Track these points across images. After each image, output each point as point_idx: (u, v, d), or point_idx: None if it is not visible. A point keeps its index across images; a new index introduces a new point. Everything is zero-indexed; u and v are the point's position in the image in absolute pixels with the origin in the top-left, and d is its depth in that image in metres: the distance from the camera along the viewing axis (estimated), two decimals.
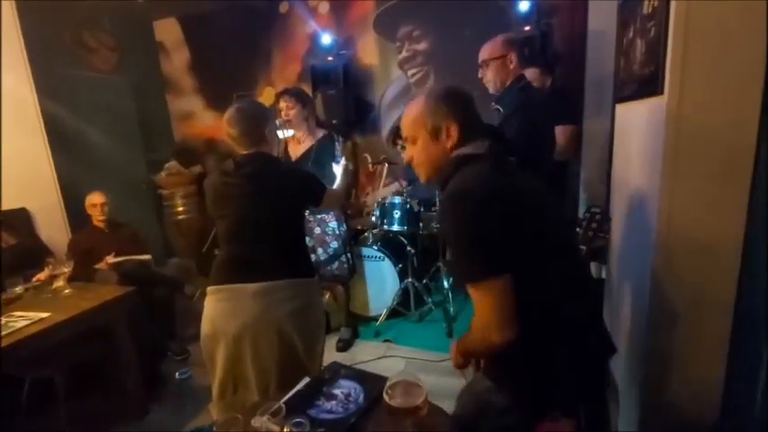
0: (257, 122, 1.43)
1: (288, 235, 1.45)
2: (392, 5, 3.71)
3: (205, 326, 1.39)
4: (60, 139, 3.01)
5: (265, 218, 1.39)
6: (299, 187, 1.47)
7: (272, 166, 1.46)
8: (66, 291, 2.07)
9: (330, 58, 3.79)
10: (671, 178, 1.02)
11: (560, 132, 2.50)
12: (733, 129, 0.96)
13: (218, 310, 1.37)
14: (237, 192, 1.39)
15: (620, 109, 1.52)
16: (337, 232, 2.48)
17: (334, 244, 2.48)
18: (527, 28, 3.13)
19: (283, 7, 4.03)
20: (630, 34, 1.25)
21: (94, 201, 2.66)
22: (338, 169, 1.98)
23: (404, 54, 3.79)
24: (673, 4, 0.96)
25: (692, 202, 1.02)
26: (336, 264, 2.51)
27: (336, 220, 2.48)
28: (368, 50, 3.91)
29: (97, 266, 2.52)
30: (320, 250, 2.48)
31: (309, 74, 3.85)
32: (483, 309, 0.87)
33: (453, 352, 1.07)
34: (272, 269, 1.37)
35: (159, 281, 2.69)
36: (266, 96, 4.25)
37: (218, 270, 1.41)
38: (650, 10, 1.07)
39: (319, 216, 2.43)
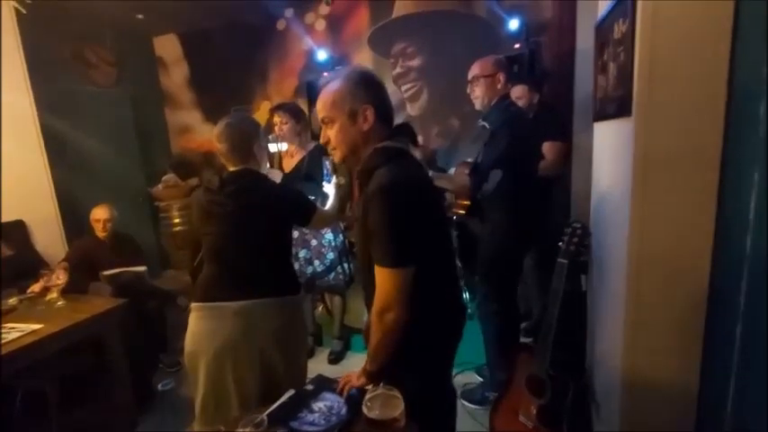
0: (246, 138, 1.42)
1: (272, 253, 1.44)
2: (386, 23, 3.81)
3: (188, 343, 1.40)
4: (58, 151, 3.05)
5: (249, 236, 1.38)
6: (285, 206, 1.46)
7: (259, 183, 1.44)
8: (60, 303, 2.09)
9: (326, 74, 3.87)
10: (640, 196, 1.07)
11: (549, 148, 2.56)
12: (697, 151, 1.00)
13: (200, 327, 1.38)
14: (221, 210, 1.39)
15: (598, 127, 1.58)
16: (334, 243, 2.51)
17: (331, 255, 2.51)
18: (516, 45, 3.22)
19: (281, 24, 4.13)
20: (605, 56, 1.31)
21: (98, 216, 2.64)
22: (329, 189, 1.93)
23: (397, 70, 3.87)
24: (638, 31, 1.02)
25: (661, 219, 1.07)
26: (333, 275, 2.53)
27: (333, 231, 2.51)
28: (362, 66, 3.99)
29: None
30: (317, 262, 2.50)
31: (305, 89, 3.93)
32: (387, 291, 0.98)
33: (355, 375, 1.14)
34: (255, 287, 1.37)
35: (153, 293, 2.70)
36: (263, 110, 4.32)
37: (201, 287, 1.42)
38: (620, 35, 1.12)
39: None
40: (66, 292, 2.21)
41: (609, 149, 1.38)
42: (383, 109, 1.05)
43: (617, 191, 1.27)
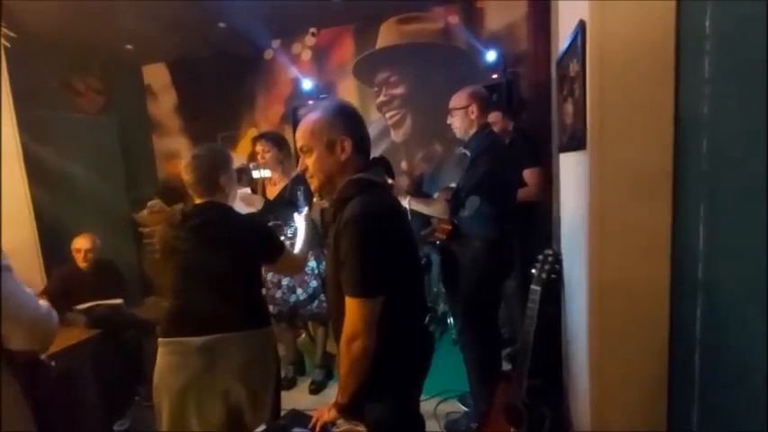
0: (212, 170, 1.38)
1: (238, 288, 1.39)
2: (370, 54, 3.93)
3: (155, 378, 1.38)
4: (40, 177, 3.03)
5: (212, 271, 1.35)
6: (251, 241, 1.41)
7: (224, 217, 1.40)
8: None
9: (311, 102, 3.95)
10: (597, 226, 1.10)
11: (528, 175, 2.62)
12: (649, 184, 1.05)
13: (166, 363, 1.36)
14: (184, 245, 1.37)
15: (563, 157, 1.63)
16: (317, 271, 2.50)
17: (314, 283, 2.49)
18: (495, 76, 3.34)
19: (268, 54, 4.24)
20: (564, 91, 1.38)
21: (79, 246, 2.60)
22: (300, 222, 1.84)
23: (381, 98, 3.98)
24: (588, 72, 1.07)
25: (618, 249, 1.10)
26: (316, 303, 2.51)
27: (316, 258, 2.50)
28: (348, 95, 4.09)
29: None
30: (300, 290, 2.48)
31: (291, 116, 4.00)
32: (354, 320, 1.00)
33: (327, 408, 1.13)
34: (219, 323, 1.34)
35: (130, 324, 2.64)
36: (250, 136, 4.38)
37: (166, 322, 1.40)
38: (574, 73, 1.19)
39: None
40: None
41: (572, 179, 1.43)
42: (360, 141, 1.08)
43: (579, 219, 1.30)
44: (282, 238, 2.41)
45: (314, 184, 1.11)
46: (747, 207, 0.77)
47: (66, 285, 2.54)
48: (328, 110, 1.08)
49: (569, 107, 1.29)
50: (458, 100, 1.99)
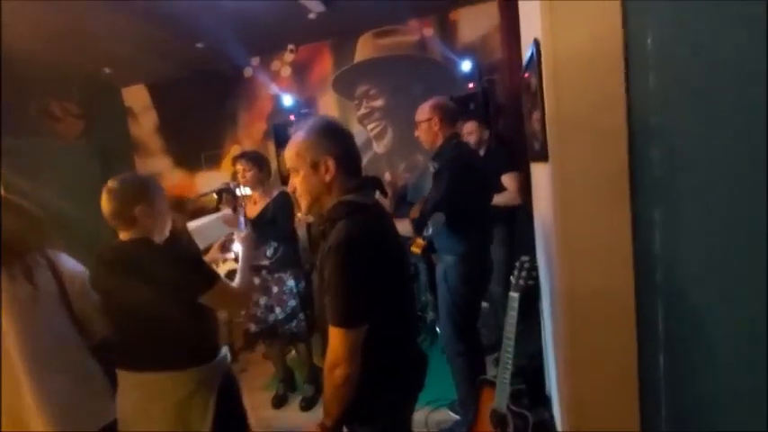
0: (125, 202, 1.29)
1: (169, 325, 1.30)
2: (349, 68, 3.98)
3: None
4: None
5: (137, 310, 1.28)
6: (173, 276, 1.28)
7: (140, 254, 1.29)
8: None
9: (292, 118, 3.99)
10: (563, 234, 1.14)
11: (506, 180, 2.67)
12: (608, 193, 1.09)
13: (118, 391, 1.35)
14: (102, 285, 1.32)
15: (533, 166, 1.68)
16: (295, 290, 2.50)
17: (293, 302, 2.49)
18: (471, 85, 3.41)
19: (247, 72, 4.27)
20: (529, 103, 1.42)
21: None
22: (239, 246, 1.66)
23: (362, 111, 4.02)
24: (545, 88, 1.12)
25: (584, 256, 1.14)
26: (295, 322, 2.51)
27: (294, 278, 2.50)
28: (328, 109, 4.13)
29: None
30: (278, 309, 2.48)
31: (273, 133, 4.03)
32: (337, 348, 0.99)
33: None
34: (151, 360, 1.30)
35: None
36: (234, 154, 4.37)
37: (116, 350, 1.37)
38: (534, 88, 1.23)
39: (276, 275, 2.47)
40: None
41: (543, 187, 1.47)
42: (346, 160, 1.07)
43: (549, 227, 1.34)
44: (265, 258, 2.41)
45: (303, 205, 1.11)
46: (699, 210, 0.81)
47: None
48: (312, 129, 1.07)
49: (534, 119, 1.33)
50: (421, 113, 1.97)
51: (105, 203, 1.30)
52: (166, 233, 1.43)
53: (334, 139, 1.07)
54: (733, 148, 0.66)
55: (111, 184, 1.32)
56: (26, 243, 1.35)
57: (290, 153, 1.08)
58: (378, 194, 1.16)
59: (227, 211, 2.30)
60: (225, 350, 1.45)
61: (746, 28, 0.58)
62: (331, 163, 1.04)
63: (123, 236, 1.33)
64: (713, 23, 0.69)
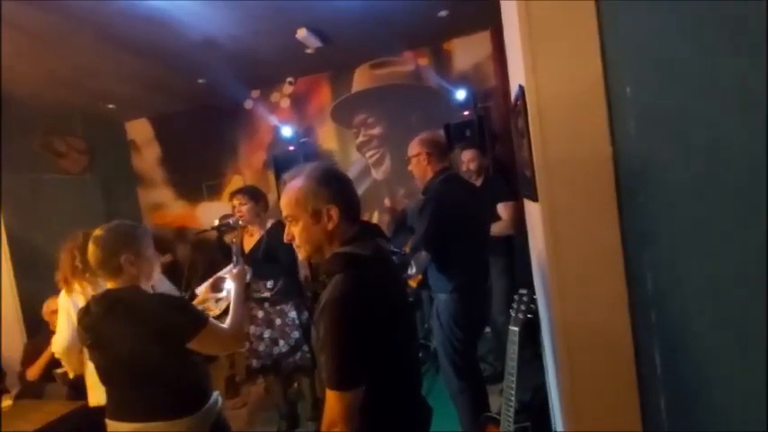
0: (110, 252, 1.28)
1: (157, 374, 1.30)
2: (347, 98, 4.08)
3: None
4: (21, 247, 3.03)
5: (124, 361, 1.28)
6: (160, 323, 1.28)
7: (125, 303, 1.29)
8: (10, 411, 2.00)
9: (292, 148, 4.05)
10: (555, 272, 1.14)
11: (501, 209, 2.68)
12: (599, 234, 1.10)
13: None
14: (89, 336, 1.31)
15: (525, 201, 1.69)
16: (298, 322, 2.49)
17: (296, 334, 2.47)
18: (466, 113, 3.47)
19: (248, 104, 4.36)
20: (518, 142, 1.45)
21: (53, 307, 2.60)
22: (230, 284, 1.65)
23: (360, 139, 4.09)
24: (531, 129, 1.14)
25: (578, 294, 1.14)
26: (299, 354, 2.49)
27: (296, 309, 2.50)
28: (327, 138, 4.20)
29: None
30: (281, 342, 2.46)
31: (273, 163, 4.09)
32: (332, 408, 0.93)
33: None
34: (141, 411, 1.29)
35: None
36: (234, 184, 4.43)
37: (106, 403, 1.37)
38: (521, 130, 1.26)
39: (278, 307, 2.46)
40: (21, 397, 2.11)
41: (536, 224, 1.48)
42: (348, 207, 1.02)
43: (544, 263, 1.35)
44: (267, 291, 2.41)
45: (301, 254, 1.07)
46: (690, 245, 0.82)
47: (41, 354, 2.49)
48: (313, 176, 1.02)
49: (524, 156, 1.36)
50: (411, 148, 1.97)
51: (91, 253, 1.30)
52: (155, 279, 1.43)
53: (336, 185, 1.02)
54: (718, 186, 0.68)
55: (97, 232, 1.32)
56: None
57: (287, 200, 1.03)
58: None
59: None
60: (215, 395, 1.44)
61: (725, 71, 0.61)
62: (334, 212, 0.99)
63: (110, 285, 1.33)
64: (691, 67, 0.71)
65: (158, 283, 2.99)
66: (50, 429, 1.86)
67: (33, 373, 2.43)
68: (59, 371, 2.43)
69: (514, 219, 2.63)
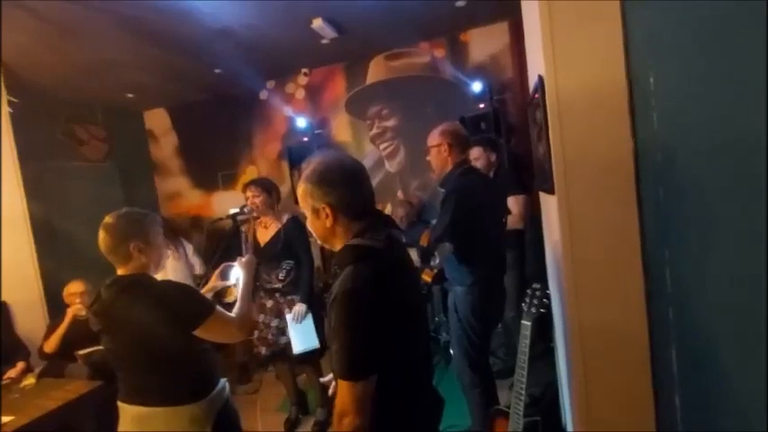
0: (120, 239, 1.30)
1: (164, 362, 1.32)
2: (362, 89, 4.05)
3: None
4: (45, 232, 3.11)
5: (132, 345, 1.32)
6: (168, 311, 1.29)
7: (134, 291, 1.31)
8: (33, 389, 2.08)
9: (306, 139, 4.06)
10: (571, 270, 1.13)
11: (511, 203, 2.65)
12: (617, 230, 1.08)
13: (119, 424, 1.37)
14: (99, 320, 1.34)
15: (541, 195, 1.67)
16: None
17: None
18: (481, 105, 3.43)
19: (263, 95, 4.38)
20: (535, 133, 1.43)
21: (73, 290, 2.66)
22: (239, 272, 1.65)
23: (375, 131, 4.07)
24: (550, 123, 1.12)
25: (594, 290, 1.12)
26: None
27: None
28: (341, 129, 4.20)
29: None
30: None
31: (287, 154, 4.11)
32: (343, 398, 0.95)
33: None
34: (145, 396, 1.32)
35: None
36: (249, 174, 4.48)
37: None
38: (540, 123, 1.23)
39: (289, 297, 2.49)
40: (43, 375, 2.19)
41: (549, 215, 1.46)
42: (344, 206, 1.04)
43: (558, 258, 1.33)
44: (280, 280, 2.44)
45: (319, 242, 1.12)
46: (708, 241, 0.80)
47: (65, 335, 2.57)
48: (311, 176, 1.05)
49: (541, 150, 1.34)
50: (431, 138, 1.96)
51: (102, 239, 1.32)
52: (164, 266, 1.45)
53: (331, 185, 1.03)
54: (736, 180, 0.67)
55: (107, 219, 1.34)
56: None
57: (298, 195, 1.09)
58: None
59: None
60: (223, 382, 1.46)
61: (746, 66, 0.59)
62: (328, 211, 1.03)
63: (120, 271, 1.36)
64: (714, 61, 0.69)
65: (171, 271, 3.04)
66: (71, 407, 1.93)
67: (51, 345, 2.53)
68: (81, 352, 2.52)
69: (523, 213, 2.60)
